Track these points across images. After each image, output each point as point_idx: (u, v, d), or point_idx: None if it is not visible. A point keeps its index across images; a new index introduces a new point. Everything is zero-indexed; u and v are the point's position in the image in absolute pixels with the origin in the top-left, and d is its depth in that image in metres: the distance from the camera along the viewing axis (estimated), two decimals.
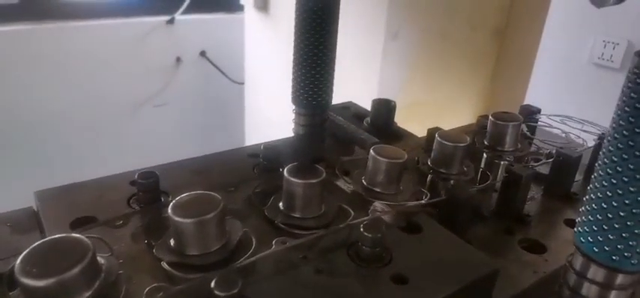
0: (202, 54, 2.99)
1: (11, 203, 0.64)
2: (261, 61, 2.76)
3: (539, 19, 1.73)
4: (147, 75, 2.89)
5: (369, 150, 0.70)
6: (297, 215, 0.62)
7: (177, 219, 0.53)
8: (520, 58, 1.99)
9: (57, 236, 0.48)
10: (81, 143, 2.73)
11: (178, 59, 2.94)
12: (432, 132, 0.82)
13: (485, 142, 0.82)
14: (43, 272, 0.44)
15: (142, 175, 0.63)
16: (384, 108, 1.06)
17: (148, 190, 0.62)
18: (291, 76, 0.88)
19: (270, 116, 2.67)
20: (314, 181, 0.61)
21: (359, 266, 0.56)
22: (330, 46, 0.85)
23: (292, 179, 0.61)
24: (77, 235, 0.49)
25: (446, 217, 0.68)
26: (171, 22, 2.83)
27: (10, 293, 0.47)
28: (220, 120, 3.10)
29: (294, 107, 0.90)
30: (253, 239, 0.56)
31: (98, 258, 0.50)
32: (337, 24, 0.85)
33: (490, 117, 0.81)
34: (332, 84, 0.90)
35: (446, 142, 0.73)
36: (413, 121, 1.23)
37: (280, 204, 0.64)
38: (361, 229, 0.56)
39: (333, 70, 0.89)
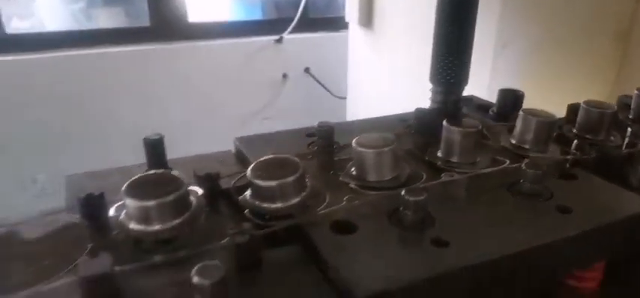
0: (306, 70, 3.18)
1: None
2: (363, 76, 2.87)
3: None
4: (256, 91, 3.13)
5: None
6: (454, 160, 0.69)
7: (360, 149, 0.63)
8: None
9: (273, 156, 0.60)
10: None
11: (285, 75, 3.15)
12: (574, 105, 0.85)
13: (630, 117, 0.83)
14: (268, 176, 0.57)
15: (321, 124, 0.74)
16: (511, 97, 1.10)
17: (326, 136, 0.73)
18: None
19: None
20: (472, 130, 0.68)
21: (521, 200, 0.61)
22: (469, 28, 0.92)
23: (452, 127, 0.68)
24: (287, 155, 0.60)
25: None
26: (279, 41, 3.06)
27: (239, 197, 0.60)
28: None
29: (431, 86, 0.98)
30: (424, 175, 0.64)
31: (306, 177, 0.61)
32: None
33: (635, 90, 0.82)
34: (468, 68, 0.96)
35: (593, 108, 0.76)
36: None
37: (438, 152, 0.71)
38: (523, 166, 0.62)
39: (470, 55, 0.95)
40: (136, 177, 0.58)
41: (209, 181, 0.64)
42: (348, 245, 0.53)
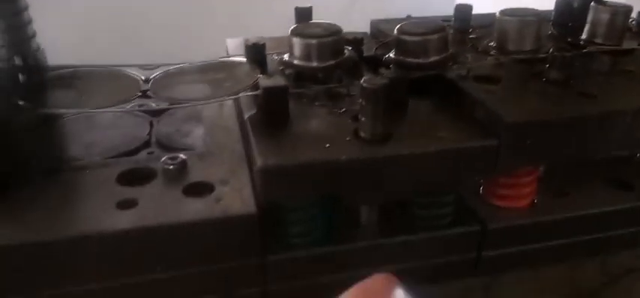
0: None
1: None
2: None
3: None
4: None
5: None
6: (599, 41, 0.69)
7: (505, 17, 0.65)
8: None
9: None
10: None
11: None
12: None
13: None
14: (414, 33, 0.62)
15: (459, 5, 0.77)
16: None
17: (463, 17, 0.76)
18: None
19: None
20: (622, 8, 0.67)
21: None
22: None
23: (600, 5, 0.68)
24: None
25: None
26: None
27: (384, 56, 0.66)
28: None
29: None
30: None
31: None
32: None
33: None
34: None
35: None
36: None
37: (582, 35, 0.71)
38: None
39: None
40: (301, 24, 0.66)
41: (356, 43, 0.70)
42: (493, 90, 0.57)
